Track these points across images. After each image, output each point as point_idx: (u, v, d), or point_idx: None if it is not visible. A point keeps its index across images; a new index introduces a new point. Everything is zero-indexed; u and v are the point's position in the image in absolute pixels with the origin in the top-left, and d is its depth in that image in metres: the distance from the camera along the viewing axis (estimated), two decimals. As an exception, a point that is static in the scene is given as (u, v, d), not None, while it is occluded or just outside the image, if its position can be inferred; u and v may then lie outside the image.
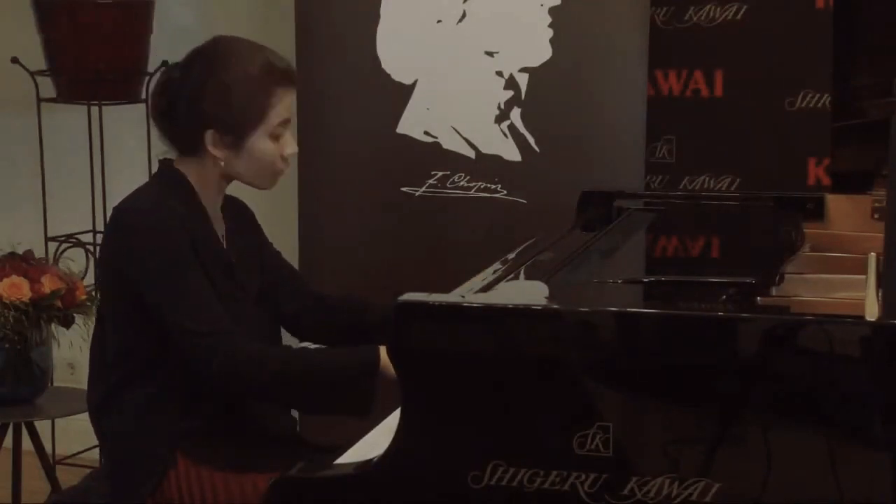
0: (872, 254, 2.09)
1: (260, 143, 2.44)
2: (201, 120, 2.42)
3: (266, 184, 2.51)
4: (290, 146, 2.49)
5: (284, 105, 2.46)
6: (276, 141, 2.46)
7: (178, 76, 2.46)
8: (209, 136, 2.42)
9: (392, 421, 2.19)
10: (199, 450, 2.40)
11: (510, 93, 3.36)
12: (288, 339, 2.72)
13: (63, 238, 4.12)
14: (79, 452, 4.20)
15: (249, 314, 2.51)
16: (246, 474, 2.38)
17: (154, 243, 2.36)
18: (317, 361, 2.39)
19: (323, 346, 2.66)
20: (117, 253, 2.42)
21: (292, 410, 2.66)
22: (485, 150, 3.38)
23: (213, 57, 2.45)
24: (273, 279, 2.64)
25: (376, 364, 2.30)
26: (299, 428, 2.76)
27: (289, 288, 2.67)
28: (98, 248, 4.03)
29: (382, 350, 2.30)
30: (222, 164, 2.45)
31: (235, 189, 2.66)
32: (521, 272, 2.36)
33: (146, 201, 2.44)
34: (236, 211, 2.62)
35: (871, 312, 1.98)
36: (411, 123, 3.41)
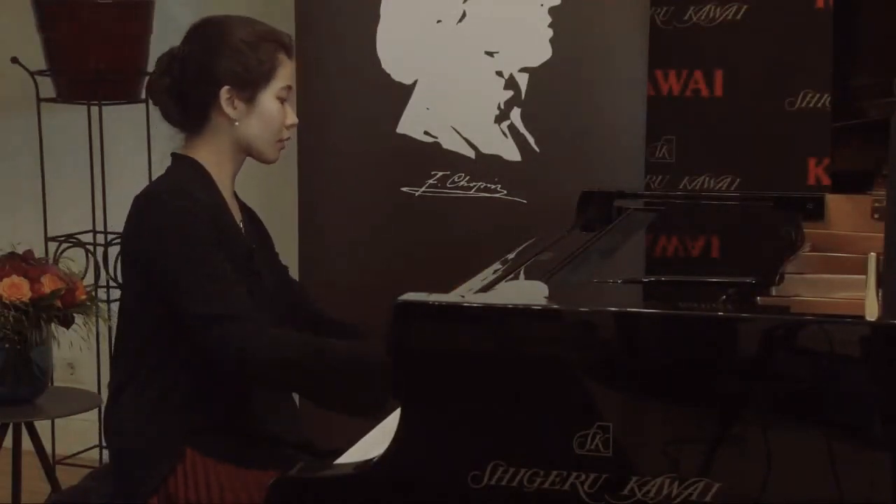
0: (872, 254, 2.09)
1: (269, 101, 2.50)
2: (215, 79, 2.46)
3: (272, 152, 2.55)
4: (291, 115, 2.55)
5: (287, 70, 2.52)
6: (281, 104, 2.52)
7: (184, 50, 2.50)
8: (224, 93, 2.46)
9: (392, 421, 2.19)
10: (207, 443, 2.41)
11: (510, 93, 3.36)
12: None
13: (63, 238, 4.12)
14: (79, 452, 4.20)
15: (258, 303, 2.49)
16: (253, 470, 2.39)
17: (176, 227, 2.38)
18: (335, 357, 2.38)
19: (343, 342, 2.63)
20: (140, 240, 2.44)
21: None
22: (485, 150, 3.39)
23: (217, 24, 2.52)
24: (282, 287, 2.66)
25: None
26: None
27: (294, 299, 2.69)
28: (106, 237, 4.04)
29: None
30: (236, 124, 2.48)
31: (237, 189, 2.66)
32: (521, 272, 2.36)
33: (167, 188, 2.46)
34: (249, 213, 2.65)
35: (871, 312, 1.98)
36: (411, 123, 3.41)
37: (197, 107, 2.50)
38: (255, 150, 2.53)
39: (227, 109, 2.47)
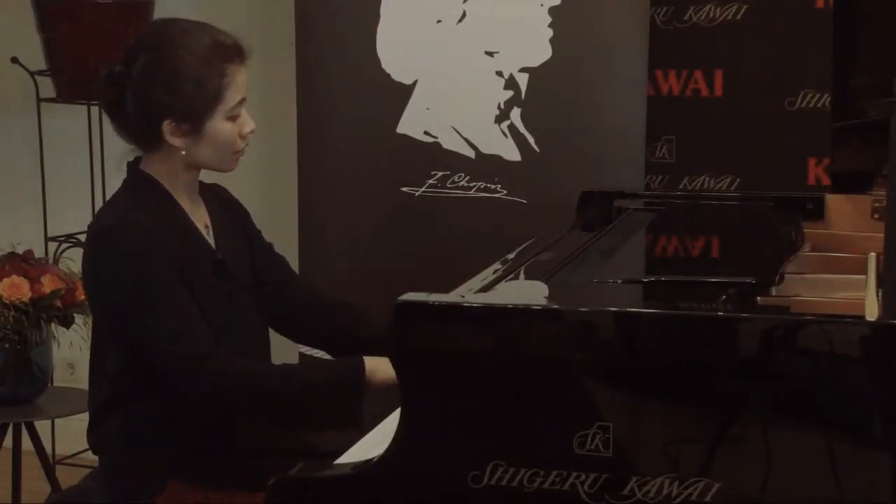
0: (872, 254, 2.10)
1: (219, 125, 2.37)
2: (155, 111, 2.35)
3: (228, 165, 2.44)
4: (248, 124, 2.41)
5: (238, 84, 2.38)
6: (234, 121, 2.39)
7: (122, 69, 2.38)
8: (166, 126, 2.35)
9: (392, 421, 2.19)
10: (193, 468, 2.37)
11: (510, 93, 3.36)
12: (279, 340, 2.70)
13: (63, 238, 4.12)
14: (79, 452, 4.19)
15: (243, 309, 2.47)
16: (247, 493, 2.36)
17: (132, 268, 2.30)
18: (302, 381, 2.35)
19: (311, 360, 2.61)
20: (97, 280, 2.39)
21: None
22: (485, 150, 3.39)
23: (155, 45, 2.38)
24: (266, 275, 2.58)
25: (361, 381, 2.29)
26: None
27: (283, 285, 2.61)
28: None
29: (368, 361, 2.29)
30: (183, 153, 2.38)
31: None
32: (521, 272, 2.36)
33: (116, 218, 2.36)
34: (217, 197, 2.57)
35: (871, 312, 1.98)
36: (411, 123, 3.41)
37: (142, 134, 2.41)
38: (209, 168, 2.44)
39: (173, 141, 2.37)
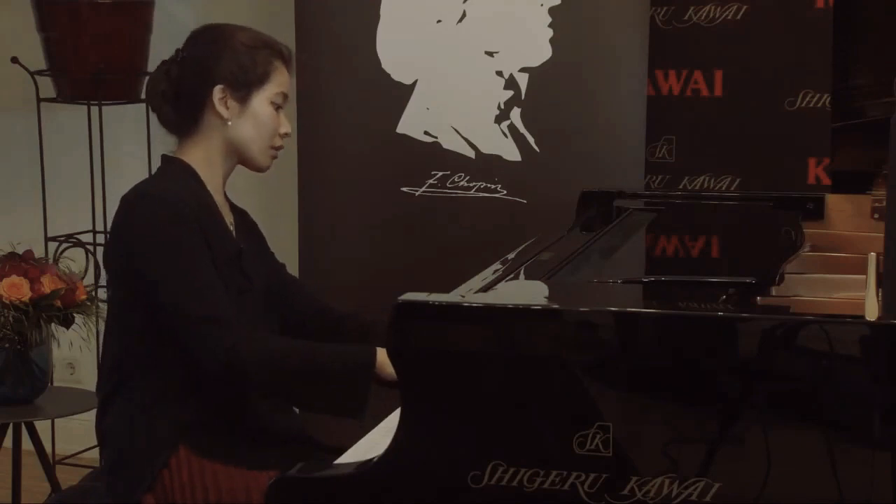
0: (872, 254, 2.09)
1: (263, 104, 2.50)
2: (210, 77, 2.47)
3: (264, 158, 2.53)
4: (286, 125, 2.54)
5: (283, 79, 2.53)
6: (275, 110, 2.51)
7: (184, 52, 2.52)
8: (217, 92, 2.47)
9: (392, 421, 2.19)
10: (202, 441, 2.40)
11: (510, 93, 3.36)
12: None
13: (63, 238, 4.12)
14: (79, 452, 4.20)
15: (253, 307, 2.50)
16: (249, 471, 2.38)
17: (164, 232, 2.37)
18: (315, 359, 2.38)
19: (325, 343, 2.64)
20: (125, 244, 2.42)
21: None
22: (485, 150, 3.39)
23: (218, 28, 2.55)
24: (279, 286, 2.65)
25: (371, 366, 2.31)
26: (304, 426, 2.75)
27: (294, 297, 2.68)
28: (106, 236, 4.03)
29: (380, 352, 2.31)
30: (229, 123, 2.48)
31: (236, 191, 2.67)
32: (521, 272, 2.36)
33: (154, 190, 2.45)
34: (241, 215, 2.64)
35: (871, 312, 1.98)
36: (411, 123, 3.41)
37: (190, 106, 2.49)
38: (247, 154, 2.52)
39: (220, 108, 2.47)
